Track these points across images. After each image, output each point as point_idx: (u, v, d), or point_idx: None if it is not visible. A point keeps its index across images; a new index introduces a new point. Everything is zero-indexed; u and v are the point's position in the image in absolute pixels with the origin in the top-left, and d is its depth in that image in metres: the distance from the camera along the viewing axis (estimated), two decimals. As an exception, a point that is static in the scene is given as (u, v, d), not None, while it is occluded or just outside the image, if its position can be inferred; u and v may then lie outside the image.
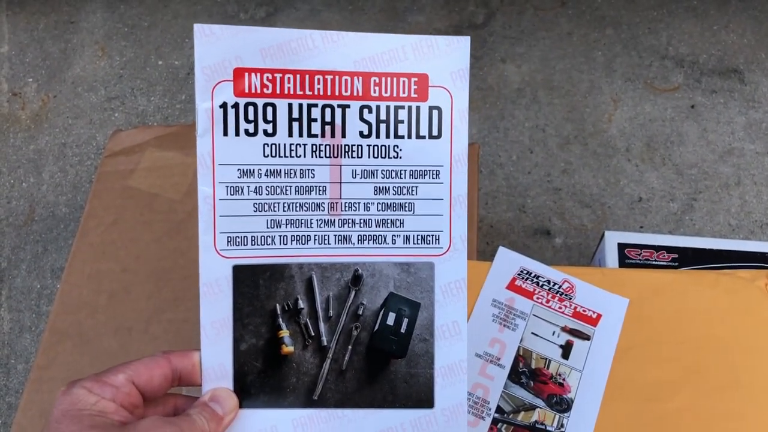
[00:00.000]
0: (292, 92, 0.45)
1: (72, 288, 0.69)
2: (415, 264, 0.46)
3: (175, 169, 0.76)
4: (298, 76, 0.45)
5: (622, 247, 0.74)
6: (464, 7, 1.36)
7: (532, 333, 0.63)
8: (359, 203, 0.46)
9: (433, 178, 0.46)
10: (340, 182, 0.46)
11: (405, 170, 0.46)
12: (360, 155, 0.46)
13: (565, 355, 0.62)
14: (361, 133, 0.46)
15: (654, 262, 0.73)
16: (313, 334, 0.45)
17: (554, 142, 1.16)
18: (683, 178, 1.11)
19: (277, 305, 0.44)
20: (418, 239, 0.46)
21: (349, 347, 0.45)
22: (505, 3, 1.36)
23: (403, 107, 0.46)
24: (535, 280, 0.66)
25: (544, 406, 0.58)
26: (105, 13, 1.41)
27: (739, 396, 0.59)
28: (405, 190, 0.46)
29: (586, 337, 0.63)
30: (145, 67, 1.31)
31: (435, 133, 0.46)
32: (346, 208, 0.46)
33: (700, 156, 1.13)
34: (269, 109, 0.45)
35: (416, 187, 0.46)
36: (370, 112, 0.46)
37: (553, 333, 0.63)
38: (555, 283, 0.66)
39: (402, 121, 0.46)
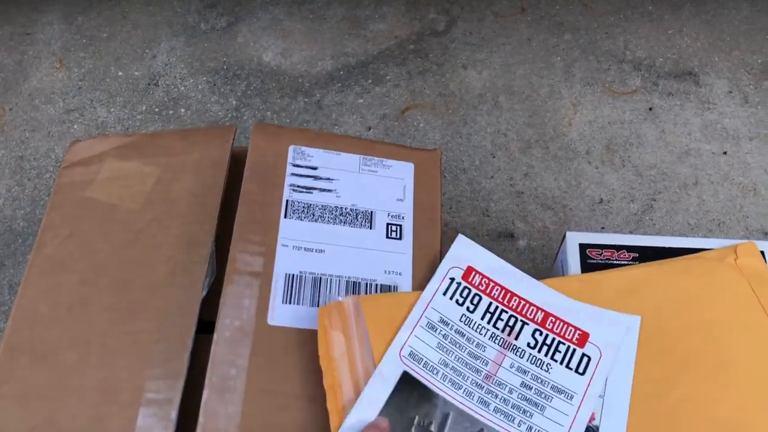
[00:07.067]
0: (495, 297, 0.64)
1: (28, 302, 0.67)
2: None
3: (134, 179, 0.75)
4: (504, 290, 0.64)
5: (583, 247, 0.74)
6: (425, 14, 1.37)
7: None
8: (506, 386, 0.59)
9: (567, 398, 0.58)
10: (500, 365, 0.60)
11: (548, 382, 0.59)
12: (522, 356, 0.61)
13: None
14: (528, 344, 0.61)
15: (615, 262, 0.74)
16: None
17: (516, 146, 1.17)
18: (643, 179, 1.13)
19: (417, 417, 0.55)
20: None
21: None
22: (466, 10, 1.38)
23: (564, 344, 0.61)
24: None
25: None
26: (62, 25, 1.39)
27: (735, 375, 0.59)
28: (543, 396, 0.58)
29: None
30: (104, 78, 1.30)
31: (581, 371, 0.60)
32: (496, 384, 0.59)
33: (659, 157, 1.15)
34: (476, 298, 0.63)
35: (552, 397, 0.58)
36: (540, 335, 0.62)
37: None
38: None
39: (559, 352, 0.61)
